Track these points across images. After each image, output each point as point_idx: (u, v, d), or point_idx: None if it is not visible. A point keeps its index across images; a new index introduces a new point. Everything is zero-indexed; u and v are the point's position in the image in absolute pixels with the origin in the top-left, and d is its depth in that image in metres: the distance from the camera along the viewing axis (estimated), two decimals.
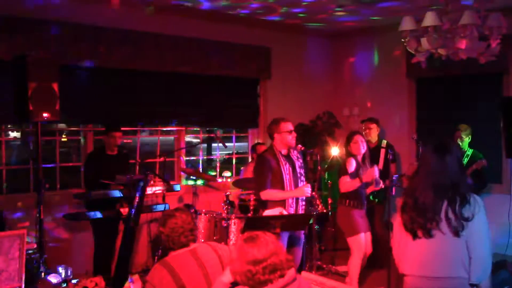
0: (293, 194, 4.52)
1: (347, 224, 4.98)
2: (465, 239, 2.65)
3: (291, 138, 4.56)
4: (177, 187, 5.73)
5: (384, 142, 6.30)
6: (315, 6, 6.18)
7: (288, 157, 4.59)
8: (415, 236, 2.74)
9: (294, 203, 4.54)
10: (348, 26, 7.31)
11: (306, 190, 4.51)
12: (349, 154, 4.99)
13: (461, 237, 2.64)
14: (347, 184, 4.92)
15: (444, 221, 2.66)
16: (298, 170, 4.61)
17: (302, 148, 4.78)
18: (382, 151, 6.18)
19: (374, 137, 6.32)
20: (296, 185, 4.56)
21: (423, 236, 2.70)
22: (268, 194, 4.48)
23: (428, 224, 2.68)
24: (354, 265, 4.95)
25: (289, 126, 4.58)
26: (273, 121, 4.64)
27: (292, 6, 6.26)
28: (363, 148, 4.99)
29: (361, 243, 4.91)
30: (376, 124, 6.35)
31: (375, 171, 4.92)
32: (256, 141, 7.02)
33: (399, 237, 2.86)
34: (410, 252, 2.79)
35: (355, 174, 4.89)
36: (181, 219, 2.91)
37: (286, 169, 4.52)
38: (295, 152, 4.68)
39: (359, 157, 5.00)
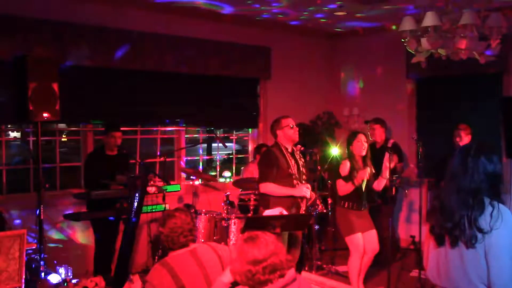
0: (292, 193, 4.52)
1: (344, 224, 4.99)
2: (484, 252, 2.42)
3: (293, 133, 4.63)
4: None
5: (390, 142, 6.27)
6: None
7: (293, 154, 4.63)
8: (441, 243, 2.57)
9: (299, 199, 4.57)
10: (349, 26, 7.31)
11: (305, 189, 4.52)
12: (350, 154, 4.95)
13: (479, 249, 2.42)
14: (343, 187, 4.91)
15: (462, 230, 2.46)
16: (301, 168, 4.65)
17: (302, 148, 4.81)
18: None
19: (378, 138, 6.30)
20: (300, 182, 4.59)
21: (450, 245, 2.51)
22: (267, 187, 4.50)
23: (454, 231, 2.48)
24: (353, 264, 4.94)
25: (290, 121, 4.67)
26: (274, 120, 4.75)
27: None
28: (364, 149, 4.94)
29: (358, 242, 4.90)
30: (380, 124, 6.33)
31: (366, 171, 4.85)
32: (255, 141, 7.02)
33: (429, 244, 2.69)
34: (432, 259, 2.65)
35: (349, 177, 4.87)
36: (181, 219, 2.92)
37: (292, 165, 4.55)
38: (298, 151, 4.72)
39: (360, 158, 4.93)
